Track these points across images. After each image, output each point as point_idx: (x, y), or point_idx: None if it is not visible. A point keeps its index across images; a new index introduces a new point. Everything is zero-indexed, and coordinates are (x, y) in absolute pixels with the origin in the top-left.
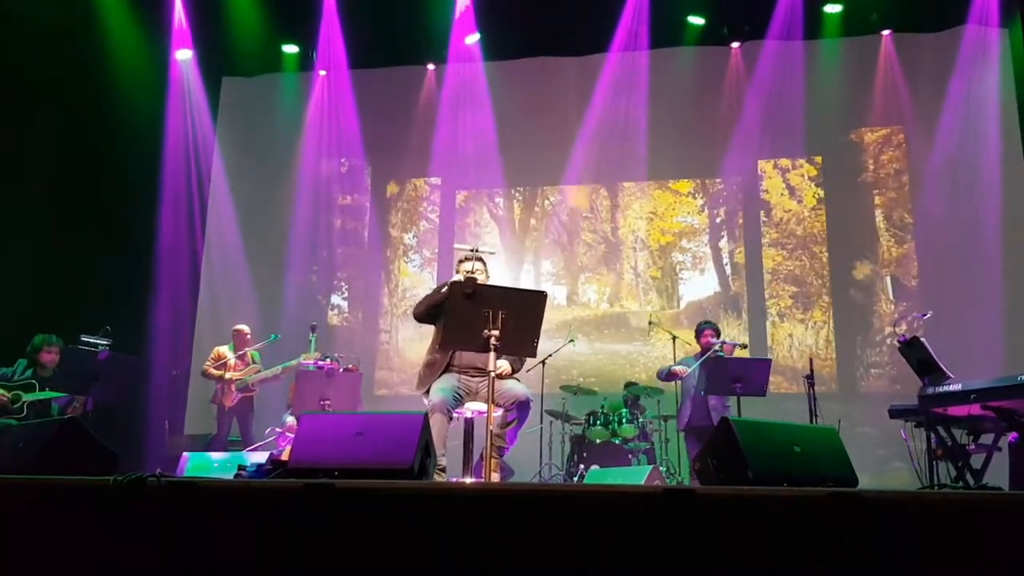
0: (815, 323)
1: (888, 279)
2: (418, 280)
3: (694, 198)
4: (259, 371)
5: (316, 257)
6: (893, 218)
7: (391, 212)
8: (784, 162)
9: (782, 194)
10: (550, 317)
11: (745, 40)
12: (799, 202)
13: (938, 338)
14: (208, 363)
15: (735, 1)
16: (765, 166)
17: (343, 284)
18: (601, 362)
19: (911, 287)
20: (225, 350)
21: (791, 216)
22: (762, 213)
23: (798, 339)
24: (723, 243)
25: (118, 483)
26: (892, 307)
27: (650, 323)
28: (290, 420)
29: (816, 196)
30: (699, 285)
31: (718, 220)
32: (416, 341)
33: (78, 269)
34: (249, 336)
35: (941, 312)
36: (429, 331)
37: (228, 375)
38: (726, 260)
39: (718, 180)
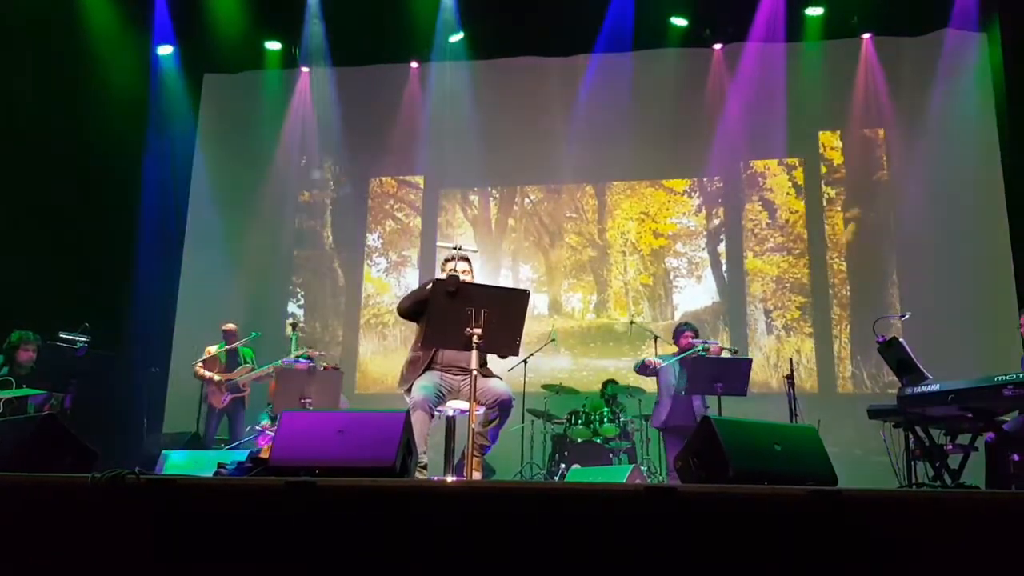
0: (826, 337)
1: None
2: (382, 286)
3: (690, 197)
4: (251, 370)
5: (296, 256)
6: (871, 220)
7: (366, 213)
8: (791, 160)
9: (787, 193)
10: (530, 328)
11: (727, 42)
12: (807, 203)
13: (916, 339)
14: (199, 363)
15: (718, 3)
16: (770, 163)
17: (300, 289)
18: (586, 378)
19: (888, 288)
20: (215, 349)
21: (798, 218)
22: (766, 215)
23: (806, 356)
24: (722, 247)
25: (97, 480)
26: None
27: (631, 323)
28: (265, 421)
29: (826, 197)
30: (696, 294)
31: (717, 222)
32: (380, 355)
33: (57, 265)
34: (236, 333)
35: (919, 313)
36: (395, 345)
37: (217, 377)
38: (726, 267)
39: (716, 178)
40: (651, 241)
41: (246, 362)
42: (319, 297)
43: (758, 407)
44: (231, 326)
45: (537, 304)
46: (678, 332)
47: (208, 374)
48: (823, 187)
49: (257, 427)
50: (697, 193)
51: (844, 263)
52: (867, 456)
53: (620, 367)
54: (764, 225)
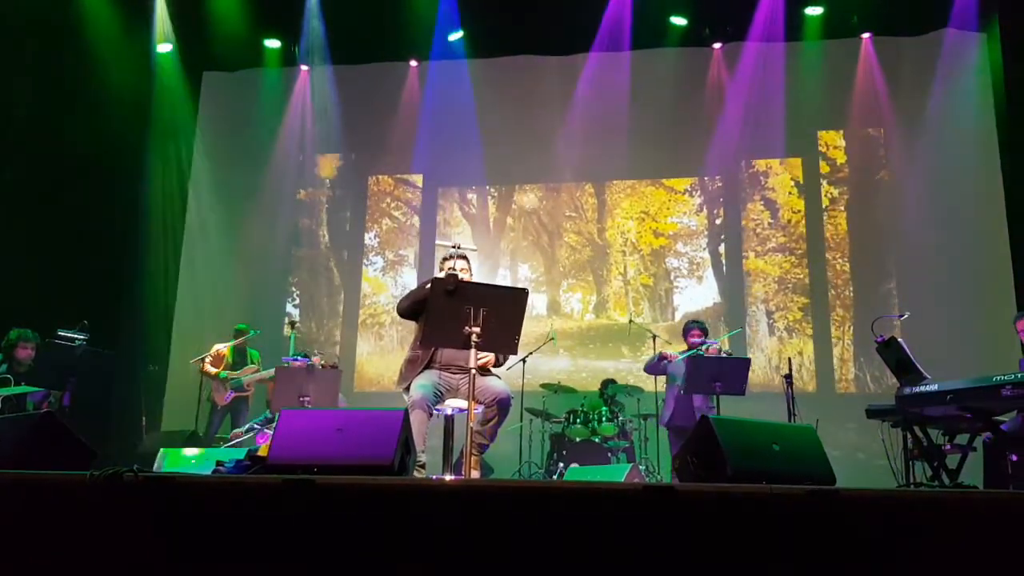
0: (826, 338)
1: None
2: (379, 286)
3: (691, 196)
4: (257, 371)
5: (295, 254)
6: (873, 220)
7: (364, 211)
8: (793, 160)
9: (790, 193)
10: (528, 329)
11: (727, 41)
12: (806, 203)
13: (915, 339)
14: (207, 360)
15: (717, 3)
16: (772, 163)
17: (298, 288)
18: (585, 380)
19: (888, 288)
20: (223, 348)
21: (800, 218)
22: (768, 215)
23: (808, 358)
24: (723, 247)
25: (95, 478)
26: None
27: (630, 322)
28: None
29: (829, 196)
30: (697, 294)
31: (718, 221)
32: (376, 355)
33: (56, 263)
34: (245, 332)
35: (918, 313)
36: (392, 345)
37: (223, 374)
38: (727, 267)
39: (717, 177)
40: (651, 241)
41: (253, 363)
42: (317, 296)
43: (758, 407)
44: (243, 327)
45: (536, 304)
46: (686, 330)
47: (213, 370)
48: (826, 186)
49: (256, 426)
50: (698, 192)
51: (848, 264)
52: (870, 460)
53: (619, 368)
54: (766, 225)
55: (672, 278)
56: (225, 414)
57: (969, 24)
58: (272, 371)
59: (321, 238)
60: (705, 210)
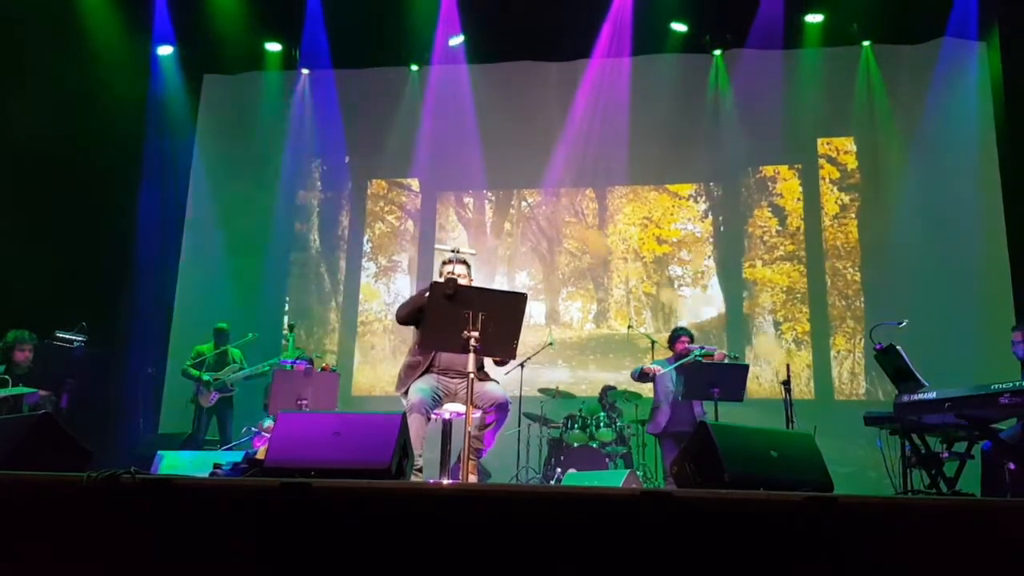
0: (838, 352)
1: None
2: (371, 293)
3: (695, 202)
4: (240, 369)
5: (293, 259)
6: (878, 228)
7: (363, 216)
8: (798, 165)
9: (798, 199)
10: (526, 338)
11: (727, 48)
12: (805, 211)
13: (914, 347)
14: (188, 363)
15: (717, 9)
16: (780, 168)
17: (295, 292)
18: (584, 391)
19: (886, 296)
20: (205, 349)
21: (808, 226)
22: (775, 222)
23: (818, 371)
24: (729, 255)
25: (92, 480)
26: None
27: (629, 327)
28: (268, 422)
29: (840, 203)
30: (701, 304)
31: (723, 228)
32: (367, 365)
33: (55, 265)
34: (228, 334)
35: (918, 321)
36: (383, 355)
37: (206, 376)
38: (732, 276)
39: (721, 183)
40: (654, 248)
41: (234, 362)
42: (313, 301)
43: (760, 414)
44: (223, 326)
45: (534, 313)
46: (674, 337)
47: (195, 372)
48: (837, 193)
49: (254, 429)
50: (703, 198)
51: (859, 273)
52: (882, 478)
53: (620, 380)
54: (774, 232)
55: (676, 287)
56: (211, 416)
57: (968, 33)
58: (261, 366)
59: (320, 242)
60: (710, 216)
